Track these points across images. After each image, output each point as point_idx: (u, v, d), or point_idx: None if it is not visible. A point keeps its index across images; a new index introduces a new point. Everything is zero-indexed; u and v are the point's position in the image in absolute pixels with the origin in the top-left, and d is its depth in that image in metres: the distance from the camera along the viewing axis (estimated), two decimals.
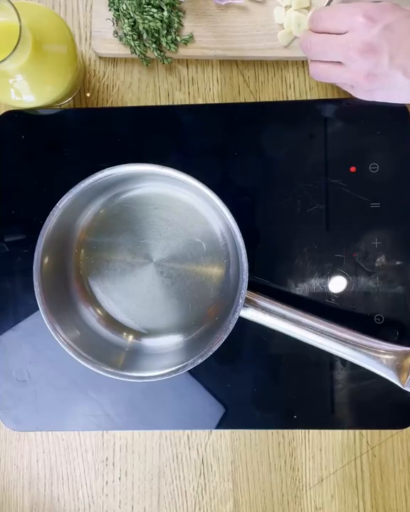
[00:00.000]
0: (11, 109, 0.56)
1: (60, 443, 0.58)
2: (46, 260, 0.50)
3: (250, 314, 0.49)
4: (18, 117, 0.56)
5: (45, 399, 0.55)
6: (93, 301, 0.55)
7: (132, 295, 0.54)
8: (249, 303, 0.49)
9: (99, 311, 0.55)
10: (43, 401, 0.55)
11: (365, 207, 0.53)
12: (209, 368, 0.54)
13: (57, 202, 0.49)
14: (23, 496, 0.59)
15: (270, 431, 0.57)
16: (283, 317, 0.49)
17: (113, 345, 0.54)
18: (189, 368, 0.47)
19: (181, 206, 0.53)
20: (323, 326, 0.49)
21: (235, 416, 0.54)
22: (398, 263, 0.53)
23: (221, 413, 0.54)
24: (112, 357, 0.52)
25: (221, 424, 0.54)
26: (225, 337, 0.47)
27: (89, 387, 0.55)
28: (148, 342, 0.55)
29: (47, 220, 0.49)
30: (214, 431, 0.57)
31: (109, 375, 0.49)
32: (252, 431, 0.57)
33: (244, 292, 0.47)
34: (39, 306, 0.49)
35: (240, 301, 0.47)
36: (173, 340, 0.54)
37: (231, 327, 0.47)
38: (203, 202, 0.52)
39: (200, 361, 0.47)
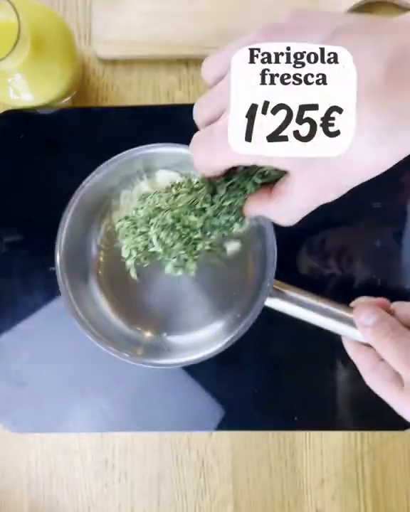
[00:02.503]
0: (10, 108, 0.56)
1: (59, 444, 0.58)
2: (67, 248, 0.49)
3: (277, 304, 0.48)
4: (17, 117, 0.56)
5: (44, 400, 0.55)
6: (111, 295, 0.54)
7: (151, 290, 0.54)
8: (276, 292, 0.47)
9: (116, 305, 0.54)
10: (41, 402, 0.55)
11: (365, 207, 0.53)
12: (209, 370, 0.54)
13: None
14: (21, 498, 0.59)
15: (270, 432, 0.57)
16: (311, 307, 0.47)
17: (131, 340, 0.53)
18: (216, 353, 0.47)
19: None
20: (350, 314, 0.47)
21: (235, 417, 0.54)
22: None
23: (221, 415, 0.54)
24: (130, 349, 0.51)
25: (221, 426, 0.54)
26: (250, 325, 0.46)
27: (88, 388, 0.55)
28: (168, 338, 0.53)
29: (73, 197, 0.48)
30: (214, 432, 0.57)
31: (131, 362, 0.48)
32: (252, 432, 0.57)
33: (272, 279, 0.46)
34: (60, 289, 0.48)
35: (268, 284, 0.46)
36: (193, 337, 0.53)
37: (256, 316, 0.46)
38: None
39: (226, 347, 0.47)
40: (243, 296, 0.52)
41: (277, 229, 0.45)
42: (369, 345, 0.45)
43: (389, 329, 0.43)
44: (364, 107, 0.29)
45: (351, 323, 0.46)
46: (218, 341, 0.48)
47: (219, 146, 0.32)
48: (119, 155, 0.48)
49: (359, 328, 0.45)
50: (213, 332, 0.53)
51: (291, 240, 0.54)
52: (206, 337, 0.53)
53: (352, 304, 0.50)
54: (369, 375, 0.44)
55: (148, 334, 0.54)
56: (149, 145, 0.48)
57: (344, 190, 0.33)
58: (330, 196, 0.33)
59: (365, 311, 0.45)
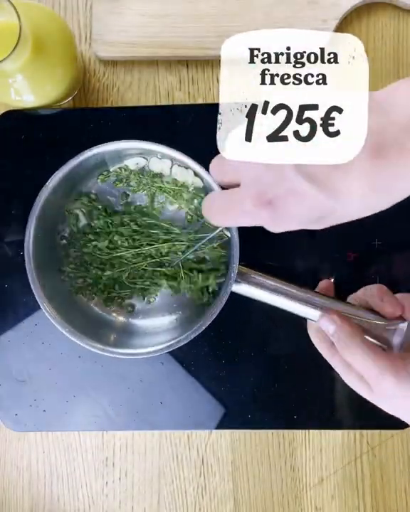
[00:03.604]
0: (11, 109, 0.56)
1: (60, 443, 0.58)
2: (37, 237, 0.49)
3: (243, 289, 0.48)
4: (18, 117, 0.56)
5: (45, 399, 0.55)
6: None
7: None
8: (242, 277, 0.48)
9: (89, 293, 0.55)
10: (42, 401, 0.55)
11: None
12: (209, 368, 0.54)
13: (39, 194, 0.49)
14: (23, 496, 0.59)
15: (270, 431, 0.57)
16: (276, 291, 0.48)
17: (103, 324, 0.54)
18: (182, 344, 0.47)
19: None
20: (317, 298, 0.48)
21: (235, 416, 0.54)
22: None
23: (221, 413, 0.54)
24: (102, 335, 0.52)
25: (221, 425, 0.54)
26: (218, 311, 0.47)
27: (89, 387, 0.55)
28: (140, 322, 0.54)
29: (37, 198, 0.49)
30: (214, 431, 0.57)
31: (99, 352, 0.49)
32: (252, 431, 0.57)
33: (236, 266, 0.47)
34: (29, 277, 0.49)
35: (233, 275, 0.47)
36: (166, 320, 0.54)
37: (224, 301, 0.47)
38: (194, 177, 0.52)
39: (193, 336, 0.47)
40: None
41: None
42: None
43: (347, 341, 0.44)
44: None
45: (314, 305, 0.47)
46: (188, 327, 0.49)
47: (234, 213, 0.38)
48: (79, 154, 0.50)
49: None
50: (183, 317, 0.54)
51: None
52: (176, 322, 0.54)
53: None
54: (345, 376, 0.45)
55: (121, 318, 0.54)
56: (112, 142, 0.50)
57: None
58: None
59: (323, 320, 0.46)
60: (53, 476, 0.58)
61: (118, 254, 0.52)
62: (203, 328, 0.47)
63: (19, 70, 0.48)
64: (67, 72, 0.52)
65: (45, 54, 0.49)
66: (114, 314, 0.55)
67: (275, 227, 0.37)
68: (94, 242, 0.53)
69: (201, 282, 0.52)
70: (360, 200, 0.32)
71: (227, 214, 0.39)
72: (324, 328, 0.46)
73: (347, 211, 0.34)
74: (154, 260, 0.52)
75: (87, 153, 0.49)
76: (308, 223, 0.36)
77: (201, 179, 0.51)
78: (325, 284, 0.52)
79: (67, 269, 0.53)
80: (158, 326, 0.54)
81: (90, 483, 0.58)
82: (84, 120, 0.56)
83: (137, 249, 0.52)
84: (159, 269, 0.53)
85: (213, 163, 0.40)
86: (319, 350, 0.48)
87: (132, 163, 0.53)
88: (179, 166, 0.51)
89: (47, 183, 0.49)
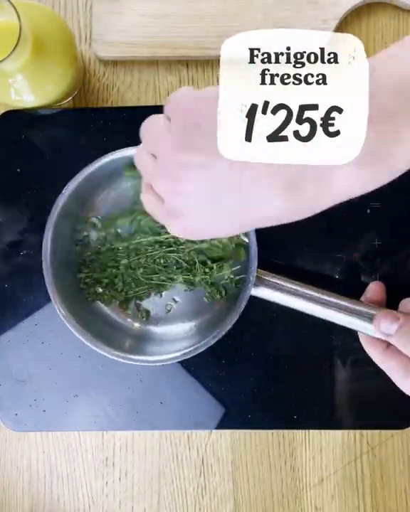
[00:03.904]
0: (11, 109, 0.56)
1: (60, 443, 0.58)
2: (55, 244, 0.50)
3: (262, 292, 0.49)
4: (18, 117, 0.56)
5: (45, 399, 0.55)
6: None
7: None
8: (259, 281, 0.49)
9: (106, 297, 0.55)
10: (43, 401, 0.55)
11: (365, 206, 0.53)
12: (209, 368, 0.54)
13: (56, 201, 0.50)
14: (22, 496, 0.59)
15: (270, 431, 0.57)
16: (295, 293, 0.48)
17: (120, 331, 0.54)
18: (202, 349, 0.48)
19: None
20: (339, 300, 0.48)
21: (235, 416, 0.54)
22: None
23: (221, 413, 0.54)
24: (118, 341, 0.52)
25: (221, 425, 0.54)
26: (238, 316, 0.47)
27: (89, 387, 0.55)
28: (157, 328, 0.55)
29: (54, 205, 0.50)
30: (214, 431, 0.57)
31: (119, 359, 0.49)
32: (252, 431, 0.57)
33: (255, 269, 0.47)
34: (46, 285, 0.49)
35: (251, 278, 0.47)
36: (184, 327, 0.54)
37: (243, 306, 0.47)
38: None
39: (213, 342, 0.48)
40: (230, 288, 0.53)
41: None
42: (383, 340, 0.47)
43: None
44: None
45: (338, 308, 0.48)
46: (206, 334, 0.49)
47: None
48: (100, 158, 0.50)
49: (382, 337, 0.46)
50: (202, 324, 0.54)
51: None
52: (194, 329, 0.54)
53: (363, 297, 0.51)
54: (402, 380, 0.44)
55: (137, 325, 0.54)
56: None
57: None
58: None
59: (383, 320, 0.46)
60: (53, 476, 0.59)
61: (136, 241, 0.52)
62: (223, 333, 0.47)
63: (19, 70, 0.48)
64: (67, 72, 0.52)
65: (45, 54, 0.49)
66: (129, 320, 0.55)
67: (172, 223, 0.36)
68: (112, 230, 0.53)
69: (216, 272, 0.51)
70: (280, 208, 0.32)
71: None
72: (383, 328, 0.45)
73: (273, 216, 0.34)
74: (170, 248, 0.52)
75: (105, 159, 0.50)
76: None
77: None
78: (375, 286, 0.52)
79: (82, 274, 0.53)
80: (175, 333, 0.54)
81: (90, 483, 0.58)
82: (84, 120, 0.56)
83: (156, 237, 0.52)
84: (173, 255, 0.52)
85: (144, 126, 0.38)
86: (370, 355, 0.48)
87: None
88: None
89: (63, 191, 0.50)
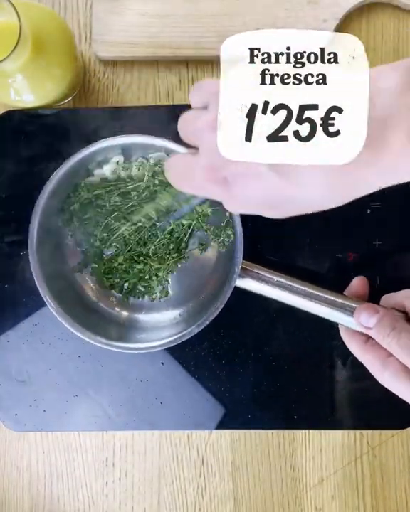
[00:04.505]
0: (11, 109, 0.56)
1: (59, 443, 0.58)
2: (41, 233, 0.50)
3: (247, 284, 0.49)
4: (18, 117, 0.56)
5: (45, 399, 0.55)
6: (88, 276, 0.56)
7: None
8: (244, 272, 0.49)
9: (92, 286, 0.55)
10: (42, 401, 0.55)
11: (365, 207, 0.53)
12: (209, 369, 0.54)
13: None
14: (22, 497, 0.59)
15: (270, 431, 0.57)
16: (280, 285, 0.49)
17: (107, 319, 0.54)
18: (186, 338, 0.48)
19: None
20: (322, 293, 0.49)
21: (235, 416, 0.54)
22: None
23: (221, 413, 0.54)
24: (106, 330, 0.52)
25: (221, 425, 0.54)
26: (222, 306, 0.47)
27: (89, 387, 0.55)
28: (144, 316, 0.55)
29: (40, 195, 0.50)
30: (214, 431, 0.57)
31: (102, 345, 0.49)
32: (252, 431, 0.57)
33: (240, 260, 0.47)
34: (33, 274, 0.50)
35: (237, 269, 0.47)
36: (170, 315, 0.54)
37: (227, 296, 0.47)
38: None
39: (197, 331, 0.48)
40: (215, 277, 0.54)
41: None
42: (363, 334, 0.47)
43: (390, 329, 0.44)
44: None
45: (321, 300, 0.48)
46: (192, 323, 0.49)
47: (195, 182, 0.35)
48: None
49: (362, 330, 0.46)
50: (188, 312, 0.54)
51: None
52: (180, 317, 0.54)
53: (346, 291, 0.52)
54: (380, 373, 0.44)
55: (125, 313, 0.55)
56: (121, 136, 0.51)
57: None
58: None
59: (364, 312, 0.46)
60: (53, 476, 0.59)
61: (129, 204, 0.52)
62: (207, 322, 0.48)
63: (19, 69, 0.48)
64: (67, 72, 0.52)
65: (45, 54, 0.49)
66: (117, 309, 0.55)
67: (230, 206, 0.36)
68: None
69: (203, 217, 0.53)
70: (322, 193, 0.31)
71: (185, 181, 0.37)
72: (363, 320, 0.46)
73: (307, 202, 0.33)
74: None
75: (91, 148, 0.50)
76: (266, 208, 0.34)
77: None
78: (358, 281, 0.52)
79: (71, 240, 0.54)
80: (162, 320, 0.54)
81: (90, 483, 0.58)
82: (84, 120, 0.56)
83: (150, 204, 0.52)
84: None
85: (181, 120, 0.38)
86: (350, 348, 0.48)
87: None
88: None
89: (51, 177, 0.51)
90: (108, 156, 0.52)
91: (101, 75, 0.60)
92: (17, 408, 0.55)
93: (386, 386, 0.44)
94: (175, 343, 0.48)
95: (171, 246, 0.53)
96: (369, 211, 0.53)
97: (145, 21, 0.57)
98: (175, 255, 0.53)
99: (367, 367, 0.46)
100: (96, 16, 0.57)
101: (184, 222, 0.52)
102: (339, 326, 0.50)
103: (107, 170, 0.53)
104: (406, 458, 0.57)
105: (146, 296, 0.55)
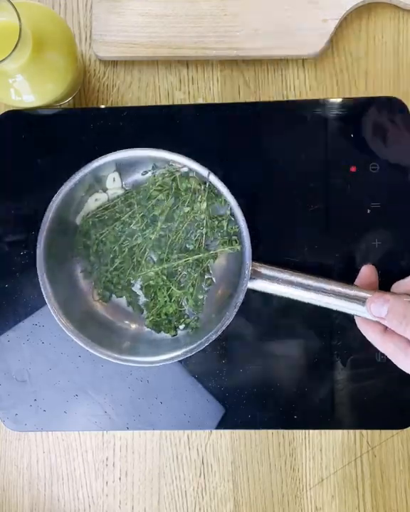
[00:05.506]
0: (11, 109, 0.56)
1: (60, 443, 0.58)
2: (49, 246, 0.50)
3: (258, 285, 0.49)
4: (18, 117, 0.56)
5: (45, 399, 0.55)
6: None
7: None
8: (255, 274, 0.49)
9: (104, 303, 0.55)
10: (43, 401, 0.55)
11: (365, 207, 0.53)
12: (209, 368, 0.54)
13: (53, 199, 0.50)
14: (23, 496, 0.59)
15: (270, 431, 0.57)
16: (290, 283, 0.49)
17: (117, 333, 0.54)
18: (203, 347, 0.48)
19: None
20: (334, 286, 0.49)
21: (235, 416, 0.54)
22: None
23: (221, 413, 0.54)
24: (116, 342, 0.52)
25: (221, 425, 0.54)
26: (233, 315, 0.48)
27: (89, 387, 0.55)
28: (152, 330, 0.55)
29: (48, 207, 0.50)
30: (214, 431, 0.57)
31: (114, 361, 0.49)
32: (252, 431, 0.57)
33: (249, 264, 0.47)
34: (42, 290, 0.50)
35: (247, 272, 0.47)
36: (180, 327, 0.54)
37: (239, 303, 0.48)
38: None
39: (214, 338, 0.48)
40: (225, 283, 0.54)
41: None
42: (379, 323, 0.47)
43: (402, 317, 0.44)
44: None
45: (334, 294, 0.49)
46: (202, 333, 0.49)
47: None
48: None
49: (376, 319, 0.47)
50: (202, 321, 0.54)
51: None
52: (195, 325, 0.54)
53: (356, 281, 0.52)
54: (404, 361, 0.45)
55: (134, 326, 0.55)
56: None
57: None
58: None
59: (374, 303, 0.46)
60: (53, 476, 0.59)
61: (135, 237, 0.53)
62: (223, 328, 0.48)
63: (19, 70, 0.48)
64: (67, 72, 0.52)
65: (45, 54, 0.49)
66: (126, 322, 0.55)
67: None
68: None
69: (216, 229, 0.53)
70: None
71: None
72: (374, 311, 0.46)
73: None
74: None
75: (101, 161, 0.51)
76: None
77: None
78: (367, 270, 0.52)
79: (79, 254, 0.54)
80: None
81: (90, 483, 0.58)
82: (84, 120, 0.56)
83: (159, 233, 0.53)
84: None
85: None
86: (369, 338, 0.48)
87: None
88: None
89: (61, 189, 0.51)
90: (102, 174, 0.53)
91: (101, 75, 0.60)
92: (17, 408, 0.55)
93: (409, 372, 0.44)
94: (194, 352, 0.48)
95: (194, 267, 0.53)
96: (368, 211, 0.53)
97: (145, 21, 0.57)
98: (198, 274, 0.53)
99: (389, 357, 0.46)
100: (96, 16, 0.57)
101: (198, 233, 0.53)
102: (356, 318, 0.50)
103: (103, 197, 0.54)
104: (406, 458, 0.57)
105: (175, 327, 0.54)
